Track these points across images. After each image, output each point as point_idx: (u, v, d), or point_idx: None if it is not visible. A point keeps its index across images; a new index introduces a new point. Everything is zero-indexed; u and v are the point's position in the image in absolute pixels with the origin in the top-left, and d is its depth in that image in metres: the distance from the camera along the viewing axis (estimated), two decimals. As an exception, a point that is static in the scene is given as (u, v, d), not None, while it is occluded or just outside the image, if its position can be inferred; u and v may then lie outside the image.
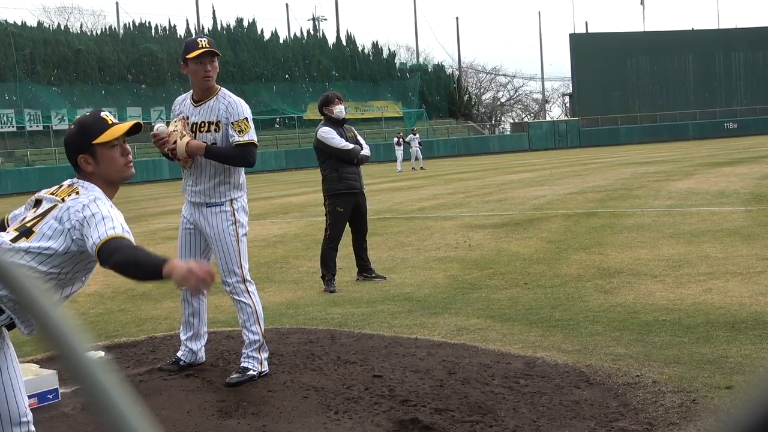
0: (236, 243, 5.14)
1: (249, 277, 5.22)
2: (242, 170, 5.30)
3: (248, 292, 5.18)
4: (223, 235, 5.13)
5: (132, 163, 3.26)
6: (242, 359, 5.15)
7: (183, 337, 5.48)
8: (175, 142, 5.03)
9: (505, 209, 15.22)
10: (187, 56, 5.08)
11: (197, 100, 5.21)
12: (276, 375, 5.13)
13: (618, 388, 4.53)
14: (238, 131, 5.07)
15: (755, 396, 0.60)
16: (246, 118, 5.13)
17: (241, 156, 5.10)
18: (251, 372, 5.06)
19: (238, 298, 5.16)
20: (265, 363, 5.17)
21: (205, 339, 5.55)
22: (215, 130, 5.12)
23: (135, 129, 3.23)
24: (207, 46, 5.08)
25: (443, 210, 16.01)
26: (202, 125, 5.14)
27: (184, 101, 5.34)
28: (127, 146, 3.24)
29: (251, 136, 5.12)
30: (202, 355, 5.50)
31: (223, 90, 5.24)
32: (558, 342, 5.61)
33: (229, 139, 5.09)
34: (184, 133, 5.05)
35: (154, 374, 5.34)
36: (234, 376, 5.07)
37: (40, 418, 4.57)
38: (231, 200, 5.18)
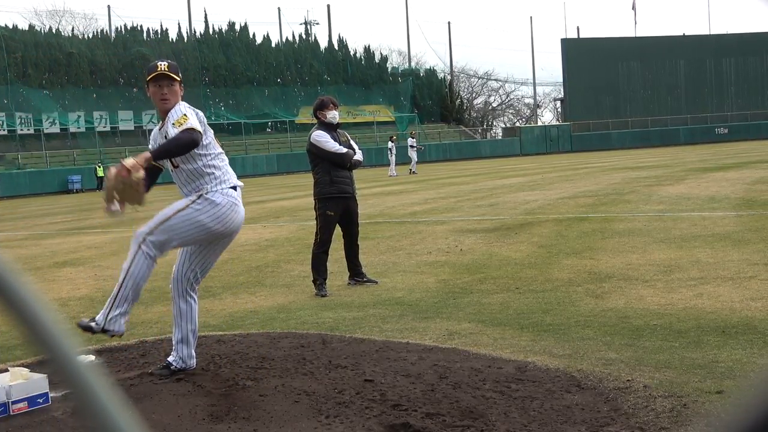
0: (172, 212, 5.05)
1: (151, 240, 4.99)
2: (220, 165, 5.23)
3: (140, 248, 4.98)
4: (173, 204, 5.10)
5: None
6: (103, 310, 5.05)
7: (174, 340, 5.45)
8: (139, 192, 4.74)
9: (496, 214, 15.24)
10: (147, 79, 5.11)
11: (161, 121, 5.21)
12: (267, 379, 5.12)
13: (609, 393, 4.53)
14: (178, 126, 4.91)
15: (747, 401, 0.60)
16: (184, 114, 4.95)
17: (181, 137, 4.88)
18: (91, 324, 5.01)
19: (131, 246, 5.02)
20: (111, 322, 5.00)
21: (195, 344, 5.49)
22: None
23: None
24: (164, 69, 5.05)
25: (435, 214, 16.02)
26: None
27: (158, 130, 5.33)
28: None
29: (189, 124, 4.90)
30: (193, 363, 5.43)
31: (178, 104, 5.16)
32: (549, 346, 5.61)
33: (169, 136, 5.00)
34: (141, 187, 4.74)
35: (144, 378, 5.32)
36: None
37: (30, 422, 4.55)
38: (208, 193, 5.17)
